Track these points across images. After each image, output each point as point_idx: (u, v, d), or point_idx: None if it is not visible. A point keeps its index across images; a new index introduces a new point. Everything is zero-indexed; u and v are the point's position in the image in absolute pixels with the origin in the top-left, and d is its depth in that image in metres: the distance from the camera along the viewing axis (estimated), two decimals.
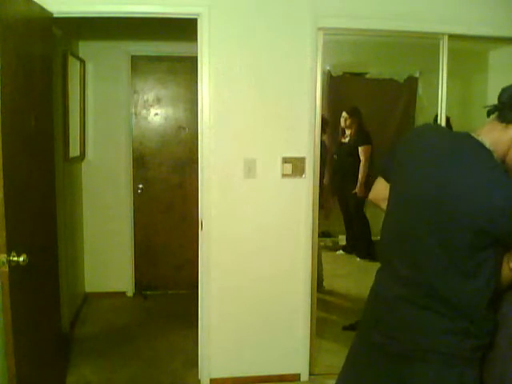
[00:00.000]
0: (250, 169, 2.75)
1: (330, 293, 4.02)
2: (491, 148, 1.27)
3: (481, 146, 1.28)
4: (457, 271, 1.29)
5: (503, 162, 1.30)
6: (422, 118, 4.88)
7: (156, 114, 4.31)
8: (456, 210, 1.24)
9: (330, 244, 5.16)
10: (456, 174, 1.26)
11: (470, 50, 3.51)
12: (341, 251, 5.03)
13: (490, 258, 1.27)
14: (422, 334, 1.36)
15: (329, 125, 4.42)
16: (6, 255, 1.83)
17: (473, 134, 1.32)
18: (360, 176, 4.60)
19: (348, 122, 4.61)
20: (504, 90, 1.33)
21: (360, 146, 4.56)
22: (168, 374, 3.01)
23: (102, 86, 4.12)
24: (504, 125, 1.29)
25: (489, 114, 1.35)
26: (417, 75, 4.84)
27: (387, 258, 1.50)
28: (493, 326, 1.37)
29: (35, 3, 2.32)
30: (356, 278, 4.47)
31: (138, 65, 4.23)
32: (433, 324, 1.35)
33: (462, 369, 1.35)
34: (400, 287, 1.41)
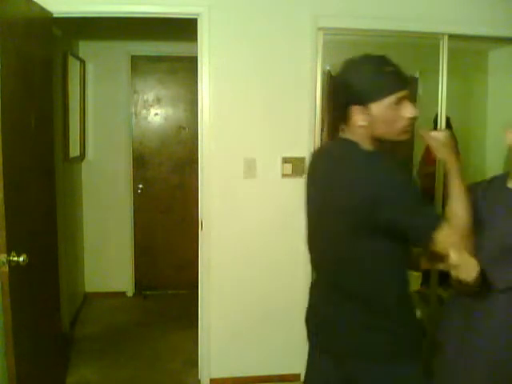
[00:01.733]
0: (250, 169, 2.75)
1: None
2: (355, 139, 1.39)
3: (347, 143, 1.41)
4: (356, 266, 1.38)
5: (377, 139, 1.39)
6: (422, 118, 4.88)
7: (156, 114, 4.31)
8: (339, 209, 1.35)
9: None
10: (332, 180, 1.40)
11: (469, 50, 3.51)
12: None
13: (382, 251, 1.35)
14: (344, 333, 1.44)
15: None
16: (5, 255, 1.83)
17: (342, 136, 1.44)
18: None
19: None
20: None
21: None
22: (168, 374, 3.01)
23: (102, 86, 4.12)
24: (347, 120, 1.40)
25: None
26: (417, 75, 4.84)
27: (313, 265, 1.61)
28: (413, 321, 1.43)
29: (35, 3, 2.32)
30: None
31: (138, 65, 4.23)
32: (350, 322, 1.42)
33: (394, 365, 1.38)
34: (319, 290, 1.54)
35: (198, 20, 2.64)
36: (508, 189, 1.51)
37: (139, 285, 4.37)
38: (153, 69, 4.27)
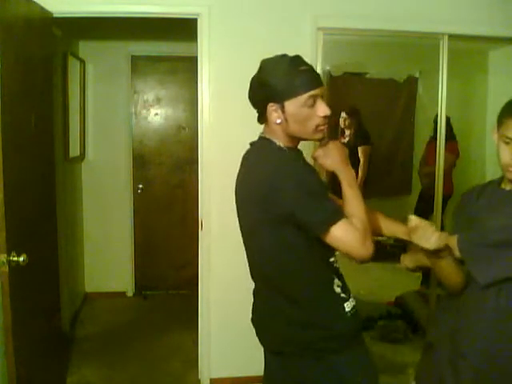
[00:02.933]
0: None
1: None
2: (271, 137, 1.46)
3: (261, 141, 1.50)
4: (273, 259, 1.44)
5: (294, 137, 1.46)
6: (422, 118, 4.88)
7: (156, 114, 4.31)
8: (251, 202, 1.43)
9: None
10: (247, 177, 1.49)
11: (470, 50, 3.51)
12: None
13: (294, 242, 1.39)
14: (273, 329, 1.51)
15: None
16: (6, 255, 1.83)
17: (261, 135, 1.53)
18: (359, 176, 4.60)
19: (347, 123, 4.61)
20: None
21: (359, 146, 4.56)
22: (168, 374, 3.01)
23: (102, 86, 4.11)
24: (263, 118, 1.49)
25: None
26: (417, 75, 4.84)
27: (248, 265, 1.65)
28: (337, 316, 1.45)
29: (35, 3, 2.32)
30: (356, 277, 4.47)
31: (138, 65, 4.22)
32: (277, 317, 1.48)
33: (327, 360, 1.42)
34: (255, 288, 1.63)
35: (198, 20, 2.64)
36: (501, 189, 1.51)
37: (139, 285, 4.36)
38: (153, 69, 4.27)
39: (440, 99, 2.91)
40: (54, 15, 2.50)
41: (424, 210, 3.71)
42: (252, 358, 2.95)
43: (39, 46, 2.39)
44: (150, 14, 2.66)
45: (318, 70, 2.75)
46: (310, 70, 1.43)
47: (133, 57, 4.17)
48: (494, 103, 3.50)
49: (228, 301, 2.83)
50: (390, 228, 1.66)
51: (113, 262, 4.24)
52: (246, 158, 1.55)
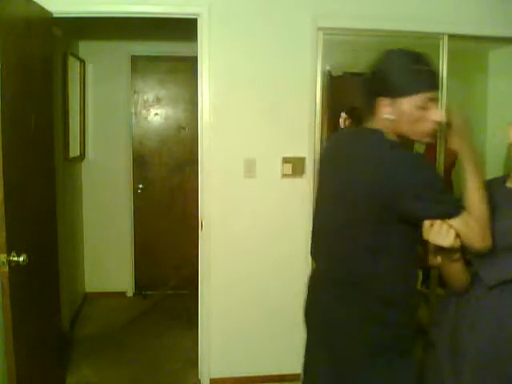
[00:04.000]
0: (250, 169, 2.75)
1: None
2: (383, 130, 1.39)
3: (372, 131, 1.40)
4: (365, 250, 1.37)
5: (400, 135, 1.40)
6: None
7: (156, 114, 4.31)
8: (360, 196, 1.33)
9: None
10: (355, 167, 1.38)
11: (470, 50, 3.51)
12: None
13: (396, 243, 1.35)
14: (345, 326, 1.42)
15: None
16: (6, 255, 1.83)
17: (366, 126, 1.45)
18: None
19: (347, 123, 4.61)
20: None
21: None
22: (168, 373, 3.01)
23: (102, 86, 4.12)
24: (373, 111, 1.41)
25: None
26: None
27: (314, 258, 1.60)
28: (413, 314, 1.43)
29: (35, 3, 2.32)
30: None
31: (138, 65, 4.22)
32: (351, 314, 1.41)
33: (389, 359, 1.39)
34: (320, 283, 1.53)
35: (198, 20, 2.64)
36: (505, 188, 1.51)
37: (139, 285, 4.36)
38: (153, 69, 4.27)
39: (440, 99, 2.91)
40: (54, 15, 2.50)
41: None
42: (252, 358, 2.96)
43: (39, 46, 2.39)
44: (150, 13, 2.66)
45: (318, 70, 2.75)
46: (432, 70, 1.39)
47: (133, 57, 4.17)
48: (494, 103, 3.50)
49: (228, 301, 2.83)
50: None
51: (113, 262, 4.24)
52: (349, 147, 1.44)
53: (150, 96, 4.28)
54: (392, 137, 1.39)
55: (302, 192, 2.79)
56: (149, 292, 4.33)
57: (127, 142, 4.21)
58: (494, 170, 3.22)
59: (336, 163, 1.47)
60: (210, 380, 2.86)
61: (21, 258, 1.88)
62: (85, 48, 4.04)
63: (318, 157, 2.81)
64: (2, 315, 1.90)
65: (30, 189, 2.23)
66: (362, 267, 1.38)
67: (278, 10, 2.68)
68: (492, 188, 1.54)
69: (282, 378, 2.89)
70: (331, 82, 4.34)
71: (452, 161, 3.86)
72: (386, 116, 1.36)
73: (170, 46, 4.07)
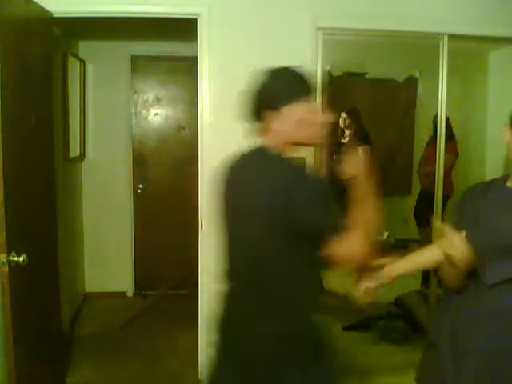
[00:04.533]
0: None
1: (330, 293, 4.02)
2: (269, 145, 1.43)
3: (261, 150, 1.45)
4: (270, 270, 1.39)
5: (293, 144, 1.46)
6: (422, 118, 4.88)
7: (156, 114, 4.31)
8: (256, 212, 1.36)
9: None
10: (249, 187, 1.42)
11: (470, 50, 3.51)
12: None
13: (296, 255, 1.37)
14: (257, 341, 1.43)
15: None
16: (6, 255, 1.83)
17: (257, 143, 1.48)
18: None
19: (347, 123, 4.61)
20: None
21: (359, 146, 4.55)
22: (168, 373, 3.01)
23: (102, 85, 4.11)
24: (261, 127, 1.46)
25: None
26: (417, 75, 4.83)
27: (227, 275, 1.61)
28: (318, 325, 1.45)
29: (35, 3, 2.32)
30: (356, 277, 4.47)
31: (138, 65, 4.22)
32: (262, 329, 1.41)
33: (306, 371, 1.39)
34: (233, 300, 1.58)
35: (198, 20, 2.64)
36: (506, 188, 1.51)
37: (139, 285, 4.36)
38: (153, 69, 4.26)
39: (440, 99, 2.91)
40: (54, 15, 2.50)
41: (424, 210, 3.71)
42: None
43: (39, 46, 2.39)
44: (150, 13, 2.66)
45: (318, 70, 2.75)
46: (306, 77, 1.46)
47: (133, 57, 4.17)
48: (494, 103, 3.50)
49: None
50: (418, 263, 1.67)
51: (113, 262, 4.24)
52: (242, 168, 1.50)
53: (149, 96, 4.28)
54: (282, 148, 1.43)
55: None
56: (149, 292, 4.33)
57: (127, 142, 4.21)
58: (494, 170, 3.23)
59: (233, 189, 1.51)
60: None
61: (21, 258, 1.88)
62: (85, 48, 4.04)
63: (318, 157, 2.81)
64: (2, 315, 1.90)
65: (30, 189, 2.23)
66: (264, 282, 1.41)
67: (277, 9, 2.68)
68: (492, 188, 1.54)
69: None
70: (331, 81, 4.35)
71: (452, 161, 3.87)
72: (273, 127, 1.41)
73: (170, 45, 4.06)
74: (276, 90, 1.42)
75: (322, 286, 1.57)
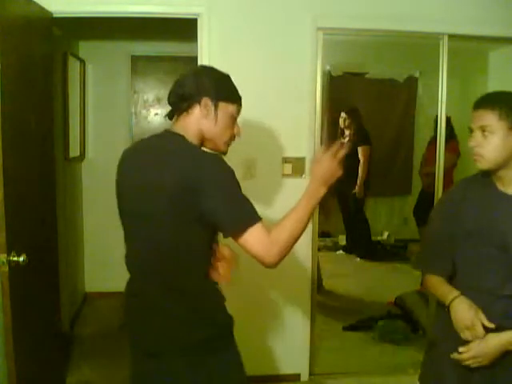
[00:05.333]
0: (249, 169, 2.75)
1: (330, 293, 4.02)
2: (182, 133, 1.42)
3: (173, 136, 1.43)
4: (171, 255, 1.38)
5: (205, 140, 1.47)
6: (422, 118, 4.88)
7: (156, 114, 4.31)
8: (161, 197, 1.32)
9: (330, 244, 5.16)
10: (155, 171, 1.37)
11: (470, 50, 3.52)
12: (341, 251, 5.04)
13: (196, 241, 1.38)
14: (160, 329, 1.44)
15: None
16: (5, 255, 1.83)
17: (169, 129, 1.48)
18: (359, 176, 4.60)
19: (347, 123, 4.61)
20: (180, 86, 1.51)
21: (359, 146, 4.56)
22: None
23: (102, 85, 4.12)
24: (185, 113, 1.45)
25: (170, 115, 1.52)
26: (417, 75, 4.84)
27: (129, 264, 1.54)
28: (221, 309, 1.53)
29: (35, 3, 2.32)
30: (356, 277, 4.48)
31: (138, 65, 4.22)
32: (164, 316, 1.42)
33: (213, 355, 1.43)
34: (135, 289, 1.51)
35: (198, 20, 2.64)
36: (499, 192, 1.49)
37: None
38: (153, 69, 4.26)
39: (440, 99, 2.91)
40: (54, 15, 2.50)
41: (424, 210, 3.71)
42: (250, 358, 2.95)
43: (39, 46, 2.39)
44: (150, 13, 2.65)
45: (318, 70, 2.75)
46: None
47: (133, 57, 4.16)
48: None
49: (227, 301, 2.82)
50: None
51: (113, 262, 4.20)
52: (150, 152, 1.43)
53: (149, 96, 4.28)
54: (195, 140, 1.43)
55: (302, 192, 2.78)
56: None
57: (127, 142, 4.20)
58: None
59: (137, 173, 1.43)
60: None
61: (21, 258, 1.88)
62: (85, 48, 4.04)
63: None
64: (2, 315, 1.90)
65: (30, 189, 2.23)
66: (166, 268, 1.39)
67: (277, 10, 2.68)
68: (478, 192, 1.52)
69: (281, 378, 2.89)
70: (331, 81, 4.35)
71: (453, 160, 3.87)
72: (205, 117, 1.42)
73: (170, 45, 4.06)
74: (222, 83, 1.47)
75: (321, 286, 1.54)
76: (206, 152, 1.42)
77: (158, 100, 4.29)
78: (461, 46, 3.05)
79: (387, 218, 5.20)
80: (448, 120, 3.00)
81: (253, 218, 1.33)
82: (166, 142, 1.44)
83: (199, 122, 1.44)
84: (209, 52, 2.64)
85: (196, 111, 1.43)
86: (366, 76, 4.81)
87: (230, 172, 1.37)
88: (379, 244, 5.09)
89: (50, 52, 2.58)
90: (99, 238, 4.18)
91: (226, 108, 1.46)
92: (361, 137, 4.58)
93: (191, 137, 1.43)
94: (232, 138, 1.52)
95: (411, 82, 4.85)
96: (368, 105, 4.77)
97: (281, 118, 2.74)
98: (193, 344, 1.40)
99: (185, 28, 2.80)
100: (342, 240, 5.12)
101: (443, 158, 2.95)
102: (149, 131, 4.31)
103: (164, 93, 4.27)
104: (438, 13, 2.77)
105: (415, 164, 4.86)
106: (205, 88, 1.44)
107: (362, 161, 4.56)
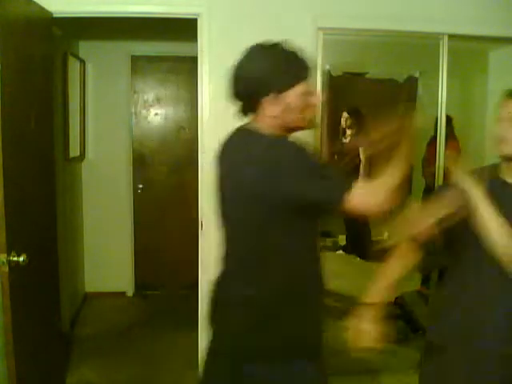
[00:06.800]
0: None
1: (330, 293, 4.02)
2: (260, 128, 1.37)
3: (249, 132, 1.39)
4: (263, 249, 1.35)
5: (287, 129, 1.39)
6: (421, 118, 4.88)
7: (156, 114, 4.31)
8: (249, 196, 1.32)
9: (330, 244, 5.16)
10: (239, 169, 1.37)
11: (470, 50, 3.51)
12: (341, 251, 5.03)
13: (290, 243, 1.34)
14: (239, 334, 1.39)
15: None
16: (6, 255, 1.83)
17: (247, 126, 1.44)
18: (360, 176, 4.60)
19: (349, 122, 4.61)
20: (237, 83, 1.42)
21: (360, 146, 4.55)
22: (168, 373, 3.01)
23: (102, 86, 4.12)
24: (254, 111, 1.40)
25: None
26: (417, 75, 4.84)
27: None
28: (311, 321, 1.44)
29: (35, 3, 2.32)
30: (356, 278, 4.47)
31: (138, 65, 4.22)
32: (246, 322, 1.37)
33: (290, 364, 1.36)
34: (221, 289, 1.52)
35: (198, 20, 2.64)
36: (509, 184, 1.49)
37: (139, 285, 4.36)
38: (153, 69, 4.27)
39: (440, 99, 2.91)
40: (54, 15, 2.50)
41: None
42: None
43: (39, 46, 2.39)
44: (150, 13, 2.65)
45: (318, 70, 2.75)
46: (302, 56, 1.41)
47: (133, 57, 4.17)
48: (494, 103, 3.49)
49: None
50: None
51: (113, 262, 4.24)
52: (232, 151, 1.45)
53: (149, 96, 4.28)
54: (275, 132, 1.37)
55: None
56: (149, 292, 4.33)
57: (127, 142, 4.21)
58: None
59: (225, 173, 1.48)
60: None
61: (21, 258, 1.88)
62: (85, 48, 4.04)
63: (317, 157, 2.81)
64: (2, 315, 1.90)
65: (30, 189, 2.23)
66: (254, 274, 1.38)
67: (278, 9, 2.68)
68: (487, 181, 1.51)
69: None
70: (331, 81, 4.35)
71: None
72: (271, 114, 1.35)
73: (170, 45, 4.07)
74: (276, 75, 1.34)
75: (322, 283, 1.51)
76: (278, 143, 1.33)
77: (158, 100, 4.29)
78: (461, 45, 3.05)
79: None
80: (449, 120, 3.00)
81: (345, 182, 1.28)
82: (243, 140, 1.42)
83: (271, 116, 1.36)
84: (209, 52, 2.64)
85: (265, 107, 1.36)
86: (366, 76, 4.81)
87: (305, 154, 1.31)
88: (379, 245, 5.08)
89: (50, 52, 2.58)
90: (99, 238, 4.19)
91: (295, 92, 1.34)
92: (362, 136, 4.57)
93: (270, 129, 1.37)
94: (312, 110, 1.42)
95: (411, 82, 4.84)
96: (368, 105, 4.76)
97: None
98: (265, 352, 1.37)
99: (185, 28, 2.80)
100: (342, 240, 5.11)
101: (443, 158, 2.95)
102: (149, 131, 4.36)
103: (164, 93, 4.27)
104: (438, 13, 2.77)
105: (415, 164, 4.86)
106: (267, 82, 1.33)
107: (362, 161, 4.55)
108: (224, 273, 1.52)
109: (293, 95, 1.34)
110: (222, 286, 1.51)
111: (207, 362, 1.53)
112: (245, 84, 1.38)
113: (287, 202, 1.28)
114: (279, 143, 1.32)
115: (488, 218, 1.36)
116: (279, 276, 1.35)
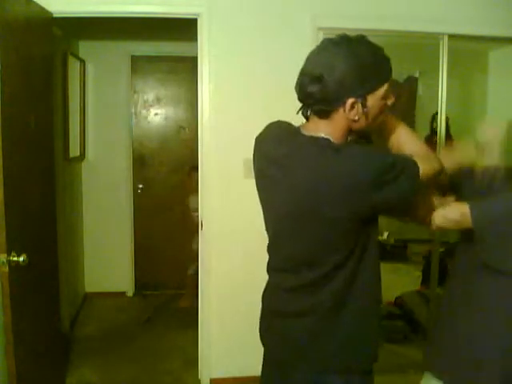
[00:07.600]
0: (250, 169, 2.72)
1: None
2: (328, 137, 1.24)
3: (315, 139, 1.25)
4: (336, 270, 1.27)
5: (353, 131, 1.28)
6: (421, 118, 4.88)
7: (156, 114, 4.31)
8: (315, 202, 1.19)
9: None
10: (302, 175, 1.22)
11: (470, 50, 3.51)
12: None
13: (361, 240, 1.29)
14: (302, 344, 1.36)
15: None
16: (6, 255, 1.83)
17: (304, 133, 1.34)
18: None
19: None
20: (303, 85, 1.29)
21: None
22: (168, 374, 3.01)
23: (102, 86, 4.12)
24: (326, 117, 1.25)
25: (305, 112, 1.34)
26: (417, 75, 4.84)
27: (272, 269, 1.48)
28: (374, 333, 1.38)
29: (35, 3, 2.32)
30: None
31: (138, 65, 4.22)
32: (310, 332, 1.33)
33: (349, 377, 1.33)
34: (278, 298, 1.46)
35: (198, 20, 2.64)
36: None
37: (139, 285, 4.36)
38: (153, 69, 4.27)
39: (440, 99, 2.91)
40: (54, 15, 2.50)
41: None
42: (252, 358, 2.95)
43: (39, 46, 2.39)
44: (150, 13, 2.66)
45: None
46: (384, 53, 1.26)
47: (133, 57, 4.17)
48: (494, 103, 3.50)
49: (228, 301, 2.83)
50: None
51: (113, 262, 4.24)
52: (297, 157, 1.27)
53: (149, 96, 4.28)
54: (342, 136, 1.25)
55: None
56: (149, 292, 4.33)
57: (127, 142, 4.21)
58: None
59: (284, 182, 1.28)
60: (210, 380, 2.86)
61: (21, 258, 1.88)
62: (85, 48, 4.04)
63: None
64: (2, 315, 1.90)
65: (30, 189, 2.23)
66: (322, 283, 1.30)
67: (277, 9, 2.68)
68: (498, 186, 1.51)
69: None
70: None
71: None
72: (354, 118, 1.20)
73: (170, 45, 4.07)
74: (360, 78, 1.17)
75: None
76: (352, 155, 1.19)
77: (158, 100, 4.29)
78: (461, 45, 3.05)
79: (387, 218, 5.19)
80: (447, 120, 3.00)
81: (415, 164, 1.21)
82: (314, 152, 1.24)
83: (346, 123, 1.23)
84: (209, 52, 2.64)
85: (340, 114, 1.21)
86: None
87: (385, 155, 1.26)
88: (379, 244, 5.08)
89: (50, 52, 2.58)
90: (99, 238, 4.19)
91: (375, 96, 1.20)
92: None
93: (337, 138, 1.24)
94: (385, 113, 1.30)
95: (411, 81, 4.84)
96: None
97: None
98: (327, 363, 1.34)
99: (185, 28, 2.80)
100: None
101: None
102: (149, 131, 4.36)
103: (164, 93, 4.27)
104: (438, 13, 2.77)
105: None
106: (347, 86, 1.16)
107: None
108: (278, 284, 1.45)
109: (372, 100, 1.20)
110: (277, 297, 1.45)
111: (269, 376, 1.54)
112: (324, 85, 1.19)
113: (379, 210, 1.24)
114: (357, 155, 1.20)
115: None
116: (342, 285, 1.30)
